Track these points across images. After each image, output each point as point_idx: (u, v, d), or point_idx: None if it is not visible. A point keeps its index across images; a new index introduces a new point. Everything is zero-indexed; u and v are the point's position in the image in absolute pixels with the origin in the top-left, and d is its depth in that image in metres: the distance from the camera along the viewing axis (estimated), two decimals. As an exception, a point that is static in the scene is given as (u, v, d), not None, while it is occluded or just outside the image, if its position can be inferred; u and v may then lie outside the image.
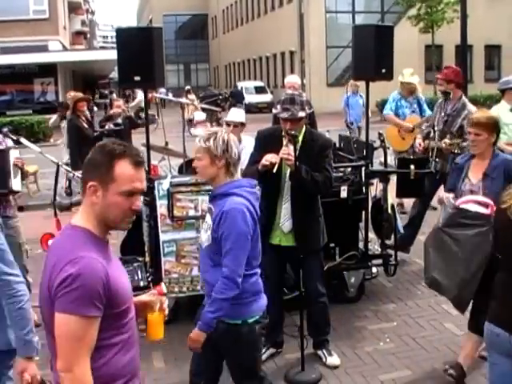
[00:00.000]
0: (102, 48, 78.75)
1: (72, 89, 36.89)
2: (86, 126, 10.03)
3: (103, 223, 2.57)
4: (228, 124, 6.87)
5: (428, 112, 9.54)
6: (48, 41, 36.16)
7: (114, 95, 18.07)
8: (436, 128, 7.65)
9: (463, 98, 7.76)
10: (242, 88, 43.07)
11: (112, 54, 36.62)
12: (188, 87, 33.10)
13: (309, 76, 38.94)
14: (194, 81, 68.38)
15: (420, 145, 7.86)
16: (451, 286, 4.79)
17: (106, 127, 10.33)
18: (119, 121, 10.47)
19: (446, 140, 7.28)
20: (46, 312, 2.48)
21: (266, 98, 41.11)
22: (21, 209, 12.42)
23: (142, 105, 27.43)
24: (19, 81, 33.68)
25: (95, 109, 31.86)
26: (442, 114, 7.64)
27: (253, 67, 53.82)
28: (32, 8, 36.55)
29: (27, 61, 31.65)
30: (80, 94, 10.51)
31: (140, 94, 26.11)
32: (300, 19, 40.82)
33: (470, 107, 7.62)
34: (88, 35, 69.80)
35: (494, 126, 4.98)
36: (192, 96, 30.62)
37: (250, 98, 40.95)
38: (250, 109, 36.41)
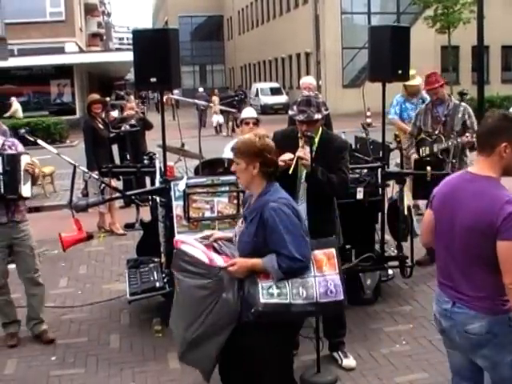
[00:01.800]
0: (118, 50, 79.12)
1: (88, 90, 37.18)
2: (101, 127, 10.05)
3: (505, 172, 3.34)
4: (247, 122, 6.90)
5: None
6: (64, 43, 36.38)
7: (132, 97, 18.16)
8: (430, 131, 7.65)
9: (451, 96, 7.98)
10: (257, 89, 43.10)
11: (128, 56, 36.78)
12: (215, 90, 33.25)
13: (324, 77, 38.90)
14: (210, 82, 68.49)
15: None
16: (178, 339, 4.12)
17: (122, 128, 10.35)
18: (133, 122, 10.49)
19: (463, 137, 7.33)
20: (475, 242, 3.25)
21: (282, 99, 41.13)
22: (37, 209, 12.53)
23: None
24: (36, 82, 33.88)
25: (114, 113, 32.10)
26: (438, 117, 7.64)
27: (268, 68, 53.84)
28: (49, 10, 36.80)
29: (44, 62, 31.82)
30: (96, 96, 10.53)
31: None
32: (315, 20, 40.78)
33: (463, 103, 7.81)
34: (104, 37, 70.15)
35: (254, 154, 3.85)
36: (215, 98, 30.65)
37: (266, 100, 41.01)
38: (266, 110, 36.50)
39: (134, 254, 7.44)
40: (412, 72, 9.44)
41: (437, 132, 7.55)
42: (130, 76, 70.14)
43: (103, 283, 7.85)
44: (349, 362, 5.48)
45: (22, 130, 6.43)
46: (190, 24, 69.53)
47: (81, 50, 40.23)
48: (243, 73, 63.46)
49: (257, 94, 42.94)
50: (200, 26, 72.08)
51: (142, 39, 5.88)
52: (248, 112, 7.08)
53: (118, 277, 7.91)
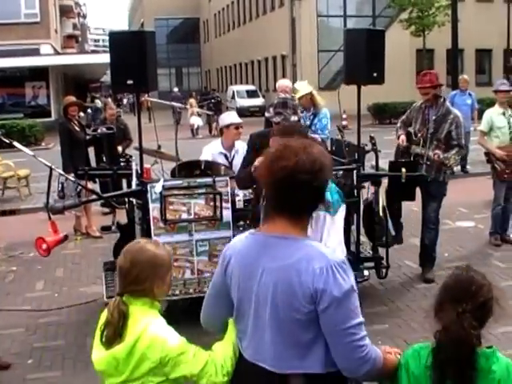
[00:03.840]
0: (94, 51, 78.79)
1: (64, 92, 36.95)
2: (77, 129, 10.02)
3: None
4: (236, 127, 7.15)
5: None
6: (39, 44, 36.10)
7: (110, 99, 18.06)
8: (419, 134, 7.41)
9: (446, 102, 7.62)
10: (233, 91, 43.16)
11: (103, 58, 36.57)
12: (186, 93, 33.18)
13: (301, 80, 39.00)
14: (186, 84, 68.40)
15: (403, 142, 7.55)
16: None
17: (99, 131, 10.29)
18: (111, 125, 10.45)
19: (438, 151, 7.16)
20: None
21: (258, 101, 41.22)
22: (12, 212, 12.45)
23: None
24: (10, 84, 33.61)
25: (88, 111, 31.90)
26: (427, 121, 7.39)
27: (245, 71, 53.91)
28: (23, 11, 36.46)
29: (19, 64, 31.56)
30: (72, 98, 10.49)
31: None
32: (292, 23, 40.95)
33: (455, 111, 7.50)
34: (79, 39, 69.76)
35: None
36: (193, 100, 30.67)
37: (242, 102, 41.07)
38: (242, 112, 36.41)
39: (110, 257, 7.43)
40: (301, 84, 8.69)
41: (419, 135, 7.41)
42: (106, 78, 69.81)
43: (80, 286, 7.82)
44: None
45: (-2, 133, 6.41)
46: (166, 26, 69.34)
47: (56, 52, 39.94)
48: (219, 75, 63.48)
49: (233, 97, 42.97)
50: (176, 29, 71.95)
51: (118, 41, 5.88)
52: (235, 117, 7.25)
53: (94, 279, 7.88)
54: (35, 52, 34.41)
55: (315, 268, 2.39)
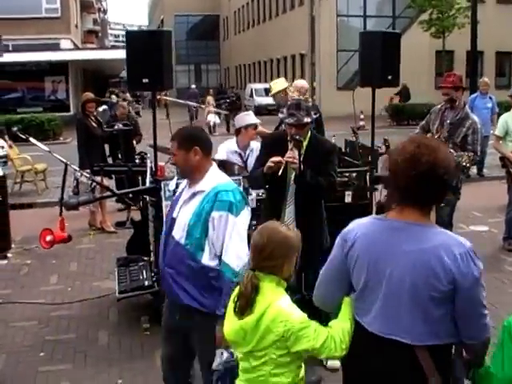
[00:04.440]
0: (114, 47, 78.85)
1: (83, 87, 37.17)
2: (94, 125, 10.11)
3: None
4: (255, 127, 7.22)
5: None
6: (60, 39, 36.37)
7: (128, 95, 18.13)
8: (436, 136, 7.45)
9: (466, 106, 7.61)
10: (251, 89, 43.18)
11: (123, 54, 36.76)
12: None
13: (319, 79, 39.01)
14: (205, 81, 68.48)
15: None
16: None
17: (116, 127, 10.40)
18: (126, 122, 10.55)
19: (451, 150, 7.18)
20: None
21: (276, 100, 41.18)
22: (29, 206, 12.57)
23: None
24: (30, 78, 33.81)
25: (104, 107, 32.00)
26: (444, 122, 7.40)
27: (263, 69, 53.87)
28: (44, 6, 36.79)
29: (39, 59, 31.78)
30: (90, 95, 10.59)
31: None
32: (311, 22, 40.87)
33: (474, 117, 7.45)
34: (99, 34, 70.04)
35: None
36: (210, 97, 30.68)
37: (260, 100, 41.01)
38: (260, 110, 36.49)
39: (124, 253, 7.51)
40: (277, 81, 8.57)
41: (436, 136, 7.42)
42: (125, 74, 70.22)
43: (93, 280, 7.91)
44: (333, 363, 5.54)
45: (15, 128, 6.50)
46: (185, 23, 69.48)
47: (76, 47, 40.20)
48: (238, 73, 63.49)
49: (251, 95, 42.98)
50: (196, 26, 72.04)
51: (135, 40, 5.95)
52: (253, 118, 7.31)
53: (108, 274, 7.96)
54: (55, 47, 34.68)
55: (456, 254, 2.70)
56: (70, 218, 8.00)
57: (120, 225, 10.37)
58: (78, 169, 6.45)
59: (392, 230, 2.85)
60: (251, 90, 43.75)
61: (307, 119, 5.10)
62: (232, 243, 3.73)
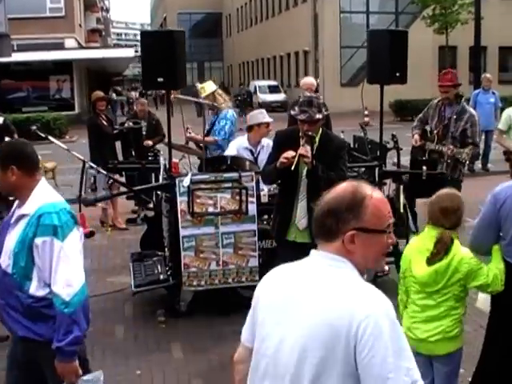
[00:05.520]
0: (116, 45, 79.02)
1: (87, 86, 37.32)
2: (105, 123, 10.26)
3: None
4: (267, 125, 7.38)
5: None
6: (64, 38, 36.50)
7: (133, 93, 18.30)
8: (435, 131, 7.60)
9: (462, 100, 7.76)
10: (255, 86, 43.29)
11: (127, 52, 36.93)
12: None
13: (322, 76, 39.07)
14: (208, 79, 68.37)
15: (416, 142, 7.74)
16: None
17: (126, 125, 10.54)
18: (142, 121, 10.64)
19: (450, 146, 7.34)
20: None
21: (280, 97, 41.29)
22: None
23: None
24: (35, 78, 33.95)
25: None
26: (443, 118, 7.58)
27: (267, 66, 53.98)
28: (48, 6, 36.90)
29: (43, 58, 31.92)
30: (100, 93, 10.73)
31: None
32: (314, 19, 40.96)
33: (471, 110, 7.68)
34: (103, 33, 70.12)
35: None
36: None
37: (264, 97, 41.13)
38: (264, 108, 36.65)
39: (136, 248, 7.65)
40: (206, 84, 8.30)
41: (435, 131, 7.60)
42: (128, 72, 69.98)
43: (107, 276, 8.03)
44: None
45: (34, 127, 6.64)
46: (188, 21, 69.54)
47: (80, 46, 40.34)
48: (241, 70, 63.60)
49: (255, 92, 43.10)
50: (199, 23, 72.12)
51: (149, 40, 6.10)
52: (266, 116, 7.47)
53: (121, 270, 8.09)
54: (60, 46, 34.81)
55: None
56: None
57: (131, 221, 10.53)
58: (95, 166, 6.59)
59: None
60: (255, 86, 43.86)
61: (319, 115, 5.22)
62: (60, 271, 3.35)
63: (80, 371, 3.44)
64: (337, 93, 36.36)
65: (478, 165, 14.06)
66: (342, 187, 2.30)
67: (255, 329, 2.37)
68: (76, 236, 3.48)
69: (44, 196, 3.49)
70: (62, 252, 3.36)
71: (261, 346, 2.29)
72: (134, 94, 39.82)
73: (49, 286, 3.40)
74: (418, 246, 4.14)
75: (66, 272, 3.36)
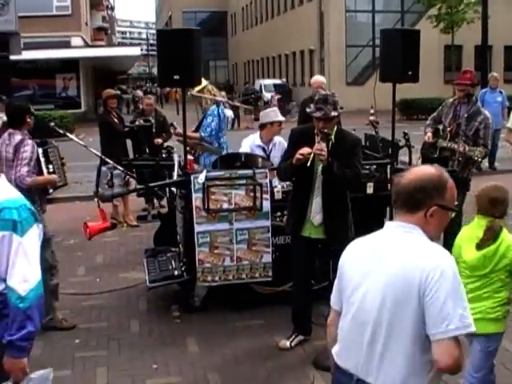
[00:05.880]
0: (121, 44, 79.19)
1: (93, 84, 37.41)
2: (116, 121, 10.34)
3: None
4: (279, 124, 7.47)
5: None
6: (70, 37, 36.61)
7: (139, 91, 18.37)
8: (448, 129, 7.67)
9: (478, 102, 7.87)
10: (260, 85, 43.33)
11: (133, 51, 37.07)
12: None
13: (328, 75, 39.05)
14: (213, 78, 68.65)
15: (429, 138, 7.80)
16: None
17: (136, 123, 10.61)
18: (151, 118, 10.73)
19: (464, 144, 7.42)
20: None
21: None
22: (49, 201, 12.78)
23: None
24: (41, 76, 34.06)
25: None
26: (457, 116, 7.63)
27: (272, 65, 54.02)
28: (55, 4, 37.01)
29: (50, 56, 32.03)
30: (112, 91, 10.82)
31: None
32: (320, 18, 41.01)
33: (486, 112, 7.71)
34: (109, 31, 70.25)
35: None
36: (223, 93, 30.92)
37: (270, 96, 41.17)
38: (270, 106, 36.69)
39: (148, 245, 7.72)
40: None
41: (448, 129, 7.68)
42: (133, 70, 70.02)
43: (120, 272, 8.10)
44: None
45: (52, 123, 6.73)
46: (193, 19, 69.57)
47: (86, 44, 40.46)
48: (246, 69, 63.66)
49: (260, 91, 43.15)
50: (204, 22, 72.06)
51: (166, 38, 6.17)
52: (279, 114, 7.57)
53: (134, 266, 8.17)
54: (66, 44, 34.94)
55: None
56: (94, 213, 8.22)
57: (142, 219, 10.62)
58: (111, 162, 6.67)
59: None
60: (260, 85, 43.90)
61: (334, 113, 5.30)
62: (18, 266, 3.30)
63: (27, 370, 3.37)
64: (342, 91, 36.13)
65: (485, 163, 14.11)
66: (428, 170, 2.77)
67: (342, 292, 2.87)
68: (35, 232, 3.43)
69: (4, 192, 3.44)
70: (21, 247, 3.31)
71: (350, 296, 2.79)
72: (140, 93, 39.95)
73: (4, 281, 3.34)
74: (468, 235, 4.46)
75: (23, 267, 3.31)
